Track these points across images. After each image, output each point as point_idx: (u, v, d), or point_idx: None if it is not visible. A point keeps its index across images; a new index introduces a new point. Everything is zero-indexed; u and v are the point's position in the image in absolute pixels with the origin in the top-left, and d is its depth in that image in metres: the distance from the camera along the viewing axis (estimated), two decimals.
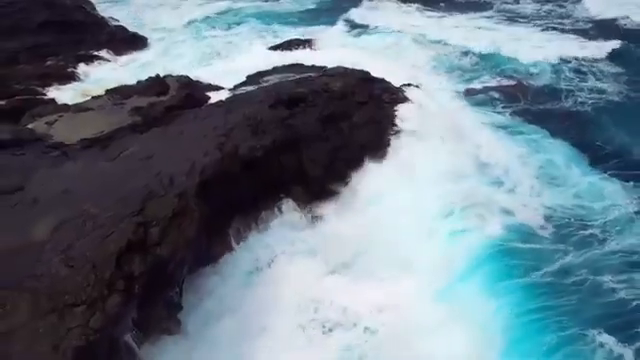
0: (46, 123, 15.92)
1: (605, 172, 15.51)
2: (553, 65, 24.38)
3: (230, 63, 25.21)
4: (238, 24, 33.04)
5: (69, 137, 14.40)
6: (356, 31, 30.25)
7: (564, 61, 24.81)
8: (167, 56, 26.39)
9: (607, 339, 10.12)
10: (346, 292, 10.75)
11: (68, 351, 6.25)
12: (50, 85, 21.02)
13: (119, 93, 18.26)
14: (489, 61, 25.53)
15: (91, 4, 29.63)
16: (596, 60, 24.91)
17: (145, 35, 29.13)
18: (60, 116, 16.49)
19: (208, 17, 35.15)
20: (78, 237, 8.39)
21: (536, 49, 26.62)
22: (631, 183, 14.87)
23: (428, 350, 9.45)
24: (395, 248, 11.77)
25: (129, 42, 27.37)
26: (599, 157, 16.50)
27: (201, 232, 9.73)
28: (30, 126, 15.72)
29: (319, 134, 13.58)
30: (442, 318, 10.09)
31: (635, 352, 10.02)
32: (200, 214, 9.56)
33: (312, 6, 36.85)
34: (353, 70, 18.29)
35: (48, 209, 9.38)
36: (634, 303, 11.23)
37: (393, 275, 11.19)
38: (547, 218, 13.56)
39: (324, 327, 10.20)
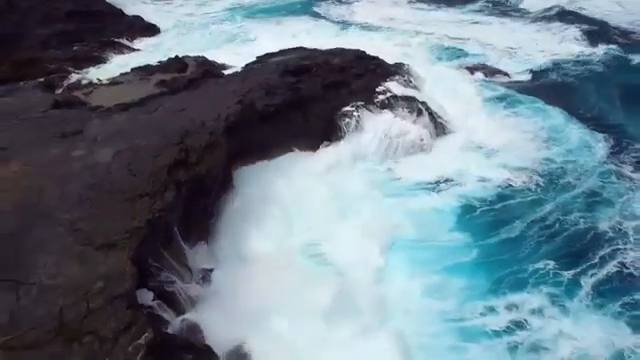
0: (83, 94, 18.27)
1: (588, 129, 18.22)
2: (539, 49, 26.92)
3: (238, 48, 27.61)
4: (246, 17, 35.45)
5: (106, 103, 16.72)
6: (350, 23, 32.64)
7: (550, 48, 27.37)
8: (181, 42, 28.75)
9: (550, 266, 12.07)
10: None
11: (142, 220, 8.69)
12: (79, 66, 23.40)
13: (144, 71, 20.55)
14: (480, 47, 27.78)
15: None
16: (578, 44, 27.66)
17: (160, 24, 31.56)
18: (95, 88, 18.86)
19: (216, 11, 37.65)
20: (135, 158, 10.84)
21: (524, 37, 29.27)
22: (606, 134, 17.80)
23: None
24: None
25: (145, 30, 29.88)
26: (584, 119, 19.18)
27: (226, 163, 12.16)
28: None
29: (322, 97, 16.05)
30: None
31: (574, 274, 11.94)
32: (227, 147, 11.99)
33: None
34: (350, 50, 20.78)
35: (107, 143, 11.82)
36: (590, 235, 13.23)
37: None
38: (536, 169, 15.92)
39: None
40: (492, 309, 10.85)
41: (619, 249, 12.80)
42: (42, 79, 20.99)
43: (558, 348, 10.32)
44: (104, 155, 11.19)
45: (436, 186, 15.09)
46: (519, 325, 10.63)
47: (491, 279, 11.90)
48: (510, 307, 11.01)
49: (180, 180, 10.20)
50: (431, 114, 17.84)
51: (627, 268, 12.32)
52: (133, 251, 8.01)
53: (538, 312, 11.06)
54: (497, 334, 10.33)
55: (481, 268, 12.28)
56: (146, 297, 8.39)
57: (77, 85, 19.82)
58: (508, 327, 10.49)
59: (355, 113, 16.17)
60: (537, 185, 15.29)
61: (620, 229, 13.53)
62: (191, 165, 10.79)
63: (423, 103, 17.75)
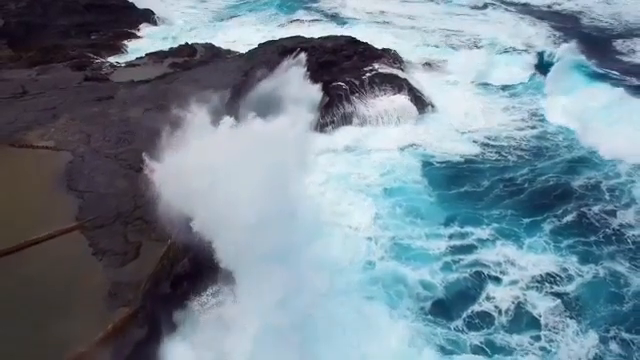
0: (105, 74, 20.77)
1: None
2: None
3: (237, 38, 30.04)
4: (242, 10, 37.99)
5: (127, 80, 19.13)
6: (342, 16, 35.05)
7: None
8: (186, 32, 31.29)
9: (509, 213, 13.45)
10: None
11: None
12: (98, 53, 25.85)
13: (157, 55, 23.05)
14: (469, 37, 30.13)
15: None
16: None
17: (167, 17, 34.13)
18: (115, 69, 21.35)
19: (218, 7, 40.24)
20: (160, 115, 13.30)
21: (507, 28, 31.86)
22: None
23: None
24: None
25: (155, 22, 32.41)
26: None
27: None
28: None
29: (316, 73, 18.46)
30: None
31: (532, 221, 13.25)
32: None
33: None
34: (342, 35, 23.24)
35: (135, 104, 14.35)
36: (558, 192, 14.42)
37: None
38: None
39: None
40: (437, 235, 12.60)
41: (587, 204, 13.94)
42: (66, 62, 23.46)
43: (504, 270, 11.68)
44: (134, 112, 13.73)
45: (404, 149, 16.95)
46: (461, 249, 12.10)
47: (444, 216, 13.39)
48: (455, 236, 12.57)
49: None
50: (412, 91, 20.15)
51: (587, 219, 13.45)
52: None
53: (488, 241, 12.37)
54: (436, 256, 12.01)
55: (436, 207, 13.79)
56: None
57: (99, 67, 22.25)
58: (450, 250, 12.14)
59: (344, 87, 18.62)
60: (517, 157, 16.73)
61: (596, 188, 14.65)
62: None
63: (404, 80, 20.16)
